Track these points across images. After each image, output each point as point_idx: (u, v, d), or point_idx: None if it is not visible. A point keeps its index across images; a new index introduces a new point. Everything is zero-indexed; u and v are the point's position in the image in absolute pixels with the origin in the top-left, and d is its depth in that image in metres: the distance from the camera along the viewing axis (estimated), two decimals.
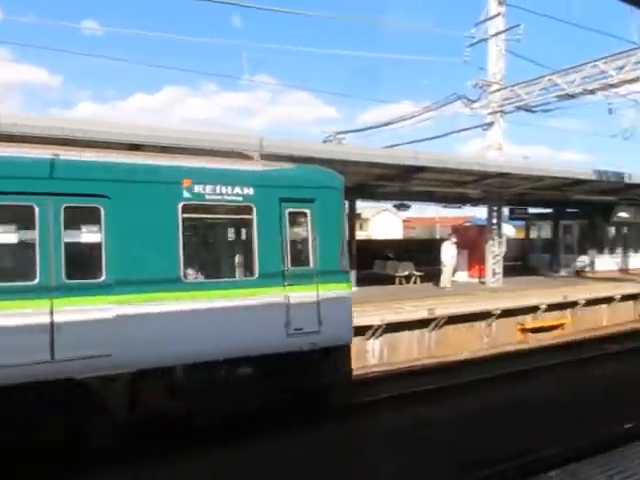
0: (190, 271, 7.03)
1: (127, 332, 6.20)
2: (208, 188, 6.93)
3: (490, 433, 7.10)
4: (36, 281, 5.89)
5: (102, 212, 6.31)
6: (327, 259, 7.84)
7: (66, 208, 6.14)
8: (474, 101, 20.89)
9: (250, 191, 7.24)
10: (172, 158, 7.59)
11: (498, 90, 20.83)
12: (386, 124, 24.81)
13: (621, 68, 16.45)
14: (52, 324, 5.83)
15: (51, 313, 5.85)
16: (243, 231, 7.99)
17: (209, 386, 6.87)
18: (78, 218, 6.33)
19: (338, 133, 24.74)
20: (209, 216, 7.66)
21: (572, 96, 18.10)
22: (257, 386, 7.18)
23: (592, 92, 17.70)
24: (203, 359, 6.74)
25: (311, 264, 7.75)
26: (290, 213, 7.65)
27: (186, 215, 6.85)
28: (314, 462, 6.45)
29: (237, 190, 7.13)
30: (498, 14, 20.42)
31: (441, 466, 6.21)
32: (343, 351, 8.06)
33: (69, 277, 6.09)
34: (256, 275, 7.28)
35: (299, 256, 7.76)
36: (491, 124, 21.08)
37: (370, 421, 7.98)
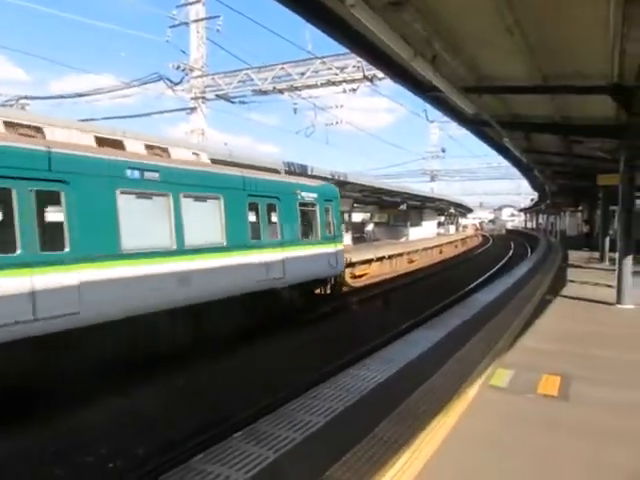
0: (303, 235, 12.85)
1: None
2: (304, 194, 12.96)
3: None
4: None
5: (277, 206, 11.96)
6: (337, 231, 14.58)
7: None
8: (177, 84, 20.77)
9: (315, 195, 13.46)
10: (291, 178, 14.21)
11: (200, 77, 21.20)
12: (81, 95, 22.42)
13: (303, 74, 18.81)
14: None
15: None
16: (313, 216, 13.51)
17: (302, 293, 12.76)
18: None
19: (21, 98, 21.06)
20: (305, 209, 13.10)
21: (265, 92, 19.80)
22: (306, 290, 13.17)
23: (281, 91, 19.70)
24: (304, 280, 12.74)
25: (333, 233, 14.20)
26: (326, 207, 13.91)
27: (300, 208, 12.79)
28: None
29: (312, 195, 13.32)
30: (199, 0, 20.74)
31: None
32: (342, 274, 15.52)
33: None
34: (319, 237, 13.52)
35: (329, 229, 14.06)
36: (194, 109, 21.35)
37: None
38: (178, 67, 20.64)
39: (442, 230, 61.88)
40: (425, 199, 44.99)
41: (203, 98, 21.19)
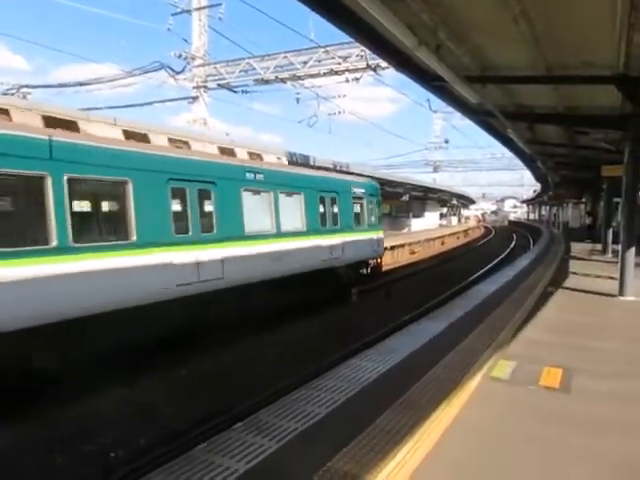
0: (355, 223, 15.32)
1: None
2: (355, 190, 15.51)
3: None
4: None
5: (337, 200, 14.42)
6: (378, 221, 17.00)
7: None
8: (178, 72, 20.65)
9: (363, 190, 15.98)
10: (346, 176, 17.45)
11: (202, 65, 21.07)
12: (82, 84, 22.31)
13: (306, 63, 18.68)
14: None
15: None
16: (362, 208, 15.84)
17: (352, 272, 15.19)
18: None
19: (22, 87, 20.98)
20: (356, 201, 15.51)
21: (267, 81, 19.68)
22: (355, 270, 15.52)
23: (283, 81, 19.58)
24: (355, 260, 15.19)
25: (375, 222, 16.60)
26: (370, 200, 16.29)
27: (353, 201, 15.32)
28: None
29: (361, 190, 15.82)
30: None
31: None
32: (380, 256, 17.56)
33: None
34: (365, 225, 15.80)
35: (373, 218, 16.42)
36: (196, 98, 21.25)
37: None
38: (180, 56, 20.51)
39: (444, 221, 61.89)
40: (427, 190, 44.90)
41: (205, 87, 21.08)
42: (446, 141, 55.04)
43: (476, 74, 9.25)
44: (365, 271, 16.30)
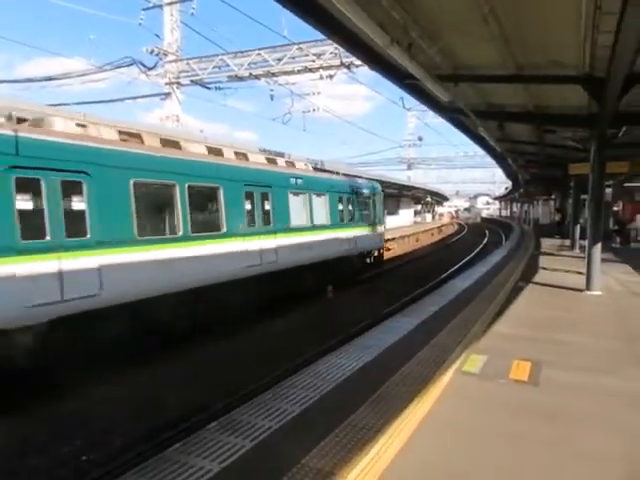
0: (364, 219, 17.73)
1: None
2: (364, 190, 18.01)
3: None
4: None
5: (352, 199, 17.12)
6: (380, 217, 19.34)
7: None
8: (150, 68, 20.30)
9: (368, 191, 18.41)
10: (358, 180, 19.43)
11: (174, 61, 20.77)
12: (50, 78, 21.73)
13: (280, 60, 18.60)
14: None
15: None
16: (368, 206, 18.32)
17: (361, 260, 17.88)
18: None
19: None
20: (365, 200, 18.07)
21: (241, 78, 19.52)
22: (363, 258, 18.06)
23: (257, 77, 19.46)
24: (363, 250, 17.69)
25: (378, 218, 19.02)
26: (374, 199, 18.84)
27: (364, 200, 17.93)
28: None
29: (367, 191, 18.32)
30: None
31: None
32: (382, 248, 20.09)
33: None
34: (371, 221, 18.18)
35: (376, 215, 18.90)
36: (169, 94, 20.93)
37: None
38: (152, 51, 20.18)
39: (419, 218, 62.54)
40: (402, 187, 45.27)
41: (178, 83, 20.79)
42: (420, 139, 55.75)
43: (448, 73, 9.36)
44: (369, 260, 18.95)
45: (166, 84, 20.78)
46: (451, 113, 13.47)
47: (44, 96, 24.05)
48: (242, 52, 19.38)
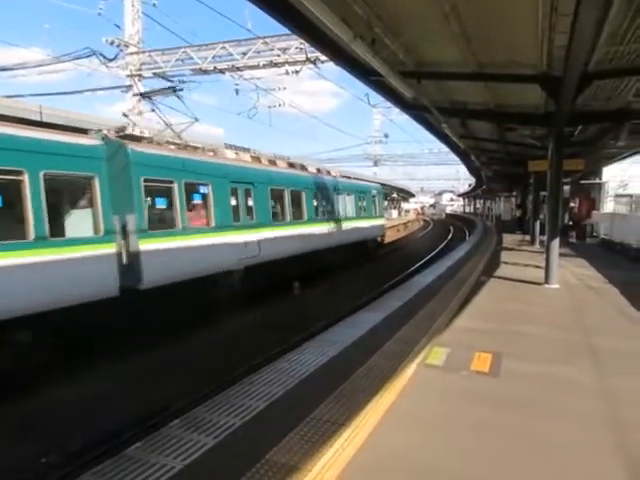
0: (371, 213, 23.10)
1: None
2: (371, 190, 23.81)
3: None
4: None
5: (364, 197, 22.92)
6: (381, 211, 24.66)
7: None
8: (111, 60, 19.72)
9: (374, 191, 23.94)
10: (367, 182, 28.95)
11: (136, 53, 20.26)
12: (4, 69, 20.84)
13: (245, 54, 18.40)
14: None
15: None
16: (373, 202, 23.26)
17: (371, 244, 23.42)
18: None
19: None
20: (373, 198, 23.48)
21: (205, 72, 19.21)
22: (374, 242, 23.94)
23: (222, 71, 19.19)
24: (371, 237, 23.34)
25: (379, 212, 24.26)
26: (376, 197, 23.88)
27: (372, 198, 23.42)
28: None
29: (373, 190, 23.92)
30: None
31: None
32: (384, 235, 25.95)
33: None
34: (375, 214, 23.34)
35: (378, 210, 23.92)
36: (130, 87, 20.41)
37: None
38: (112, 42, 19.64)
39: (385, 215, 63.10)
40: None
41: (139, 76, 20.30)
42: (386, 135, 56.18)
43: (411, 69, 9.47)
44: (377, 243, 24.51)
45: (127, 76, 20.26)
46: (415, 110, 13.65)
47: (2, 88, 23.05)
48: (206, 45, 19.06)
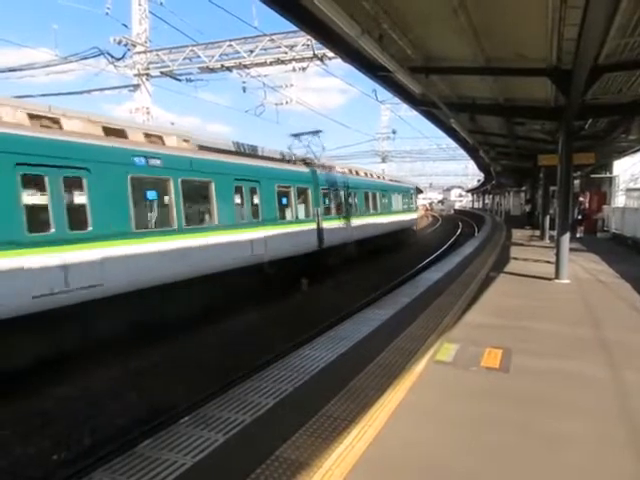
0: (409, 207, 30.30)
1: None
2: (409, 190, 31.73)
3: None
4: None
5: (405, 195, 30.65)
6: (415, 206, 33.94)
7: None
8: (118, 59, 19.80)
9: (411, 189, 32.13)
10: (405, 182, 34.91)
11: (143, 52, 20.32)
12: (13, 69, 21.01)
13: (252, 51, 18.38)
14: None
15: None
16: (411, 199, 31.22)
17: (408, 233, 30.81)
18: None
19: None
20: (410, 195, 31.13)
21: (213, 70, 19.23)
22: (412, 230, 32.30)
23: (229, 69, 19.19)
24: (408, 227, 30.40)
25: (414, 207, 33.11)
26: (413, 195, 32.10)
27: (410, 195, 31.73)
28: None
29: (410, 190, 31.94)
30: None
31: None
32: (416, 226, 35.40)
33: None
34: (411, 208, 31.03)
35: (413, 204, 32.18)
36: (138, 86, 20.49)
37: None
38: (120, 42, 19.67)
39: None
40: None
41: (147, 75, 20.36)
42: (393, 132, 55.88)
43: (419, 65, 9.41)
44: (412, 231, 31.70)
45: (135, 75, 20.33)
46: (423, 106, 13.57)
47: (7, 88, 23.28)
48: (213, 43, 19.06)
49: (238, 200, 12.11)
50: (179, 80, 20.19)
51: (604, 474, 3.39)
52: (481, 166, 39.28)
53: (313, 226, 15.80)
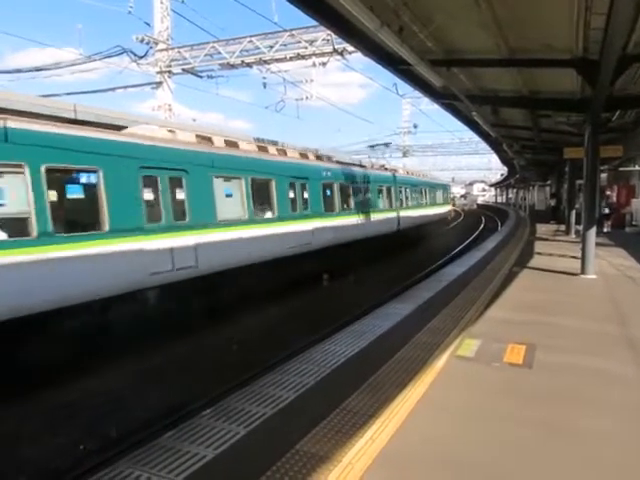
0: (447, 201, 39.01)
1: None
2: (445, 186, 38.57)
3: None
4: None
5: (443, 190, 37.30)
6: (449, 200, 40.75)
7: None
8: (141, 57, 20.05)
9: (446, 186, 38.71)
10: (440, 179, 41.34)
11: (165, 50, 20.54)
12: (39, 69, 21.47)
13: (272, 47, 18.41)
14: None
15: None
16: (447, 194, 38.84)
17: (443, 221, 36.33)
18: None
19: None
20: (445, 190, 37.76)
21: (233, 66, 19.33)
22: (442, 221, 35.93)
23: (250, 65, 19.26)
24: (445, 217, 37.50)
25: (449, 201, 39.96)
26: (448, 191, 39.57)
27: (446, 190, 38.42)
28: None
29: (446, 186, 38.63)
30: None
31: None
32: (451, 215, 42.47)
33: None
34: (448, 201, 38.69)
35: (448, 199, 39.73)
36: (160, 84, 20.73)
37: None
38: (142, 40, 19.92)
39: None
40: None
41: (169, 72, 20.58)
42: (415, 126, 55.24)
43: (440, 57, 9.29)
44: (448, 219, 37.62)
45: (157, 73, 20.57)
46: (445, 99, 13.40)
47: (34, 87, 23.85)
48: (233, 39, 19.16)
49: (370, 195, 19.19)
50: (200, 77, 20.37)
51: (629, 472, 3.32)
52: (504, 160, 38.64)
53: (395, 214, 21.89)
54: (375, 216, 19.06)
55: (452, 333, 6.33)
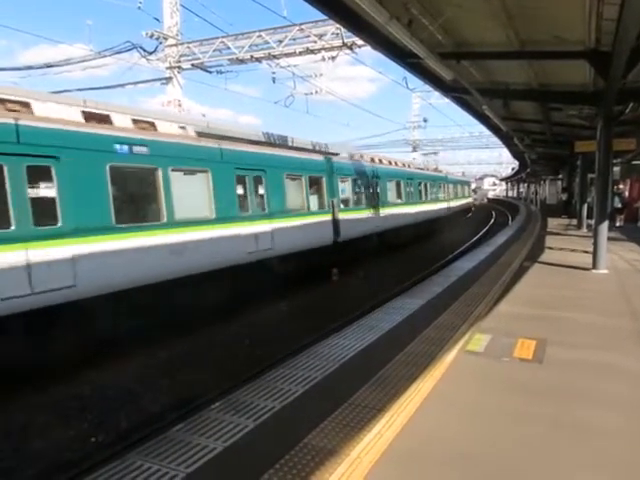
0: (468, 194, 46.91)
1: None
2: (464, 181, 46.71)
3: None
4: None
5: (463, 185, 44.59)
6: (469, 193, 47.55)
7: None
8: (150, 53, 20.09)
9: (466, 182, 48.57)
10: (459, 176, 48.65)
11: (175, 45, 20.55)
12: (50, 65, 21.61)
13: (281, 41, 18.34)
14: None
15: None
16: (465, 189, 44.77)
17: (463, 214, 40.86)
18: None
19: None
20: (465, 185, 46.22)
21: (242, 61, 19.29)
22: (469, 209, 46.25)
23: (259, 60, 19.21)
24: (465, 208, 43.20)
25: (469, 194, 47.41)
26: (469, 186, 49.82)
27: (466, 185, 47.04)
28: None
29: (465, 182, 47.18)
30: None
31: None
32: (471, 207, 49.80)
33: None
34: (467, 195, 45.22)
35: (467, 193, 45.37)
36: (170, 79, 20.77)
37: None
38: (152, 35, 19.92)
39: None
40: None
41: (179, 68, 20.60)
42: (425, 120, 54.87)
43: (450, 50, 9.21)
44: (468, 210, 42.91)
45: (167, 68, 20.60)
46: (455, 92, 13.30)
47: (45, 83, 24.02)
48: (242, 34, 19.09)
49: (411, 189, 23.45)
50: (209, 72, 20.36)
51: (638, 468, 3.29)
52: (515, 154, 38.28)
53: (434, 206, 27.27)
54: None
55: (462, 328, 6.31)
